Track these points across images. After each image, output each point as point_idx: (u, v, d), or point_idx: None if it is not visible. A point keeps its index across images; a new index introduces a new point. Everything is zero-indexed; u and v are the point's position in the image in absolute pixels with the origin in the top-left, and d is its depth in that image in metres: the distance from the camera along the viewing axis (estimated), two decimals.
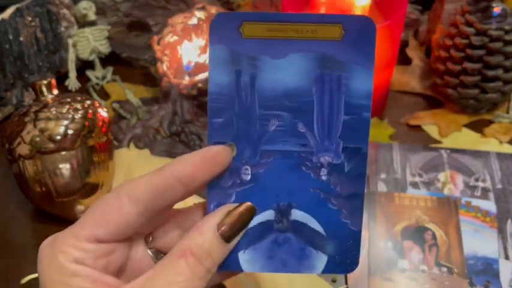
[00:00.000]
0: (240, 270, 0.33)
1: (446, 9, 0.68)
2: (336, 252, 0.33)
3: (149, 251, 0.34)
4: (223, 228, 0.31)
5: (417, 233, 0.53)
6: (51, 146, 0.52)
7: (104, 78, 0.73)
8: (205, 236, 0.30)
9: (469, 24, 0.62)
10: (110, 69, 0.74)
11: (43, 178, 0.52)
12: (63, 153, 0.52)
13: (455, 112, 0.66)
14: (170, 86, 0.64)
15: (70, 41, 0.71)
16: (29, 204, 0.57)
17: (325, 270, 0.33)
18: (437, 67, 0.66)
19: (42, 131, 0.52)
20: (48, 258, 0.29)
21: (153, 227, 0.34)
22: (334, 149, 0.32)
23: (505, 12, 0.61)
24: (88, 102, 0.55)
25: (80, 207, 0.55)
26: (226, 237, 0.31)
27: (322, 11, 0.62)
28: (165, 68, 0.65)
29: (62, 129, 0.52)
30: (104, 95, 0.72)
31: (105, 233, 0.30)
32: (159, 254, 0.34)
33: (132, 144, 0.64)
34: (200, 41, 0.66)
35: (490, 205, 0.55)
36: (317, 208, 0.33)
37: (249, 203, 0.32)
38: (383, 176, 0.59)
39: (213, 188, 0.32)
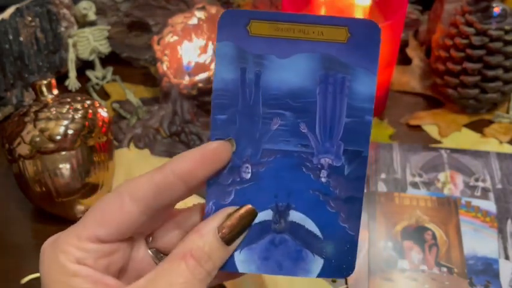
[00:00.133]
0: (236, 270, 0.32)
1: (446, 9, 0.68)
2: (332, 256, 0.33)
3: (149, 251, 0.34)
4: (223, 231, 0.31)
5: (417, 233, 0.53)
6: (51, 146, 0.52)
7: (104, 78, 0.73)
8: (205, 239, 0.30)
9: (469, 24, 0.62)
10: (110, 69, 0.74)
11: (43, 178, 0.52)
12: (63, 153, 0.52)
13: (455, 112, 0.66)
14: (170, 86, 0.64)
15: (70, 41, 0.71)
16: (29, 204, 0.57)
17: (321, 274, 0.33)
18: (437, 67, 0.66)
19: (42, 131, 0.52)
20: (50, 258, 0.29)
21: (154, 227, 0.34)
22: (335, 151, 0.32)
23: (505, 12, 0.61)
24: (88, 102, 0.55)
25: (80, 207, 0.55)
26: (227, 240, 0.31)
27: (323, 10, 0.62)
28: (165, 68, 0.65)
29: (62, 129, 0.52)
30: (104, 95, 0.72)
31: (106, 232, 0.30)
32: (159, 254, 0.34)
33: (132, 144, 0.64)
34: (200, 41, 0.66)
35: (490, 205, 0.55)
36: (315, 210, 0.33)
37: (249, 206, 0.32)
38: (383, 176, 0.59)
39: (212, 185, 0.32)
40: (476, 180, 0.58)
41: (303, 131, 0.32)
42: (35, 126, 0.52)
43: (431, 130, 0.65)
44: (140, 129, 0.65)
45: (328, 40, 0.32)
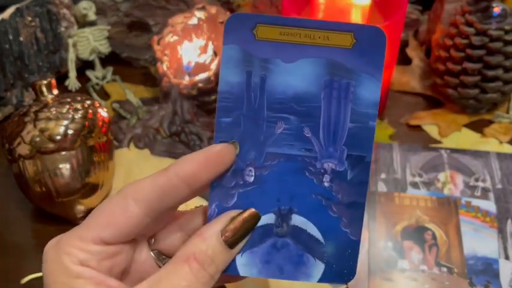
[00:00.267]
0: (237, 274, 0.32)
1: (446, 9, 0.68)
2: (334, 261, 0.33)
3: (151, 253, 0.34)
4: (226, 234, 0.31)
5: (417, 233, 0.53)
6: (51, 146, 0.52)
7: (104, 78, 0.73)
8: (208, 242, 0.30)
9: (469, 24, 0.62)
10: (110, 69, 0.74)
11: (43, 178, 0.52)
12: (63, 153, 0.52)
13: (455, 112, 0.66)
14: (170, 86, 0.64)
15: (70, 41, 0.71)
16: (29, 204, 0.57)
17: (322, 279, 0.33)
18: (437, 67, 0.66)
19: (42, 131, 0.52)
20: (53, 259, 0.29)
21: (157, 229, 0.34)
22: (338, 156, 0.32)
23: (505, 12, 0.62)
24: (88, 102, 0.55)
25: (80, 207, 0.55)
26: (230, 244, 0.31)
27: (322, 11, 0.62)
28: (165, 68, 0.65)
29: (62, 129, 0.52)
30: (104, 95, 0.72)
31: (110, 234, 0.30)
32: (161, 256, 0.34)
33: (132, 144, 0.64)
34: (200, 41, 0.66)
35: (490, 205, 0.55)
36: (317, 215, 0.33)
37: (253, 210, 0.32)
38: (383, 176, 0.59)
39: (215, 188, 0.32)
40: (476, 180, 0.58)
41: (307, 135, 0.32)
42: (35, 126, 0.52)
43: (431, 130, 0.65)
44: (140, 129, 0.65)
45: (333, 45, 0.32)
